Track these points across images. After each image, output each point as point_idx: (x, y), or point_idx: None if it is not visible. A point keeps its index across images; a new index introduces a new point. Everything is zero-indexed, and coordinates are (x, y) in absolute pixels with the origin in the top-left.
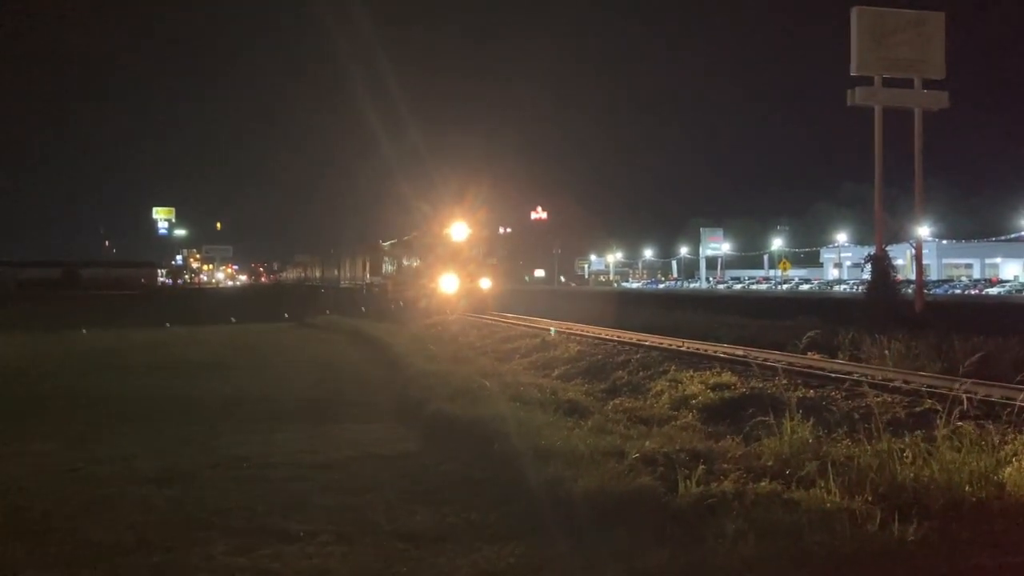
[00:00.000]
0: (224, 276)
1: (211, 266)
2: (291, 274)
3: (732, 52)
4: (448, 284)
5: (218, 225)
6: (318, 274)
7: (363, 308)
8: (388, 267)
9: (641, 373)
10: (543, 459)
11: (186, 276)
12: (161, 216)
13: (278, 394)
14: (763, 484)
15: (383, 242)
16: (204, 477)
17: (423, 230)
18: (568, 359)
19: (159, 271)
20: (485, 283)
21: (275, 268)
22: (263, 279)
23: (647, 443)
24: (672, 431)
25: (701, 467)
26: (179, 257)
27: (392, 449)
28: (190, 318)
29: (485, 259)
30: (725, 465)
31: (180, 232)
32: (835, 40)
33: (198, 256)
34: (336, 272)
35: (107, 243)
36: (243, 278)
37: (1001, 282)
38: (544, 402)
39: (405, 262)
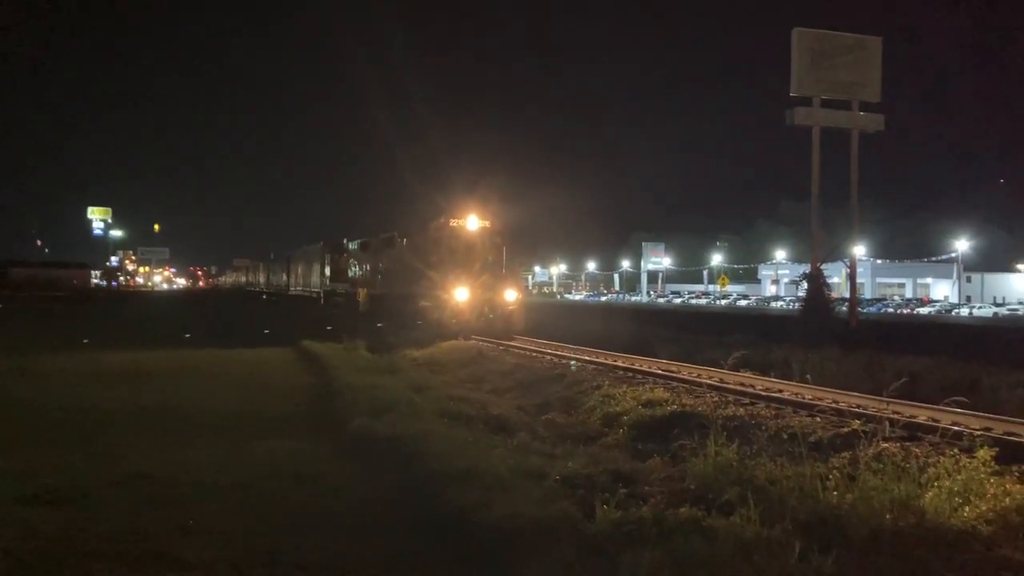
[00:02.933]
0: (161, 279)
1: (148, 268)
2: (230, 279)
3: (677, 69)
4: (455, 296)
5: (156, 227)
6: (262, 279)
7: (328, 327)
8: (356, 271)
9: (575, 388)
10: (461, 482)
11: (121, 278)
12: (97, 216)
13: (193, 406)
14: (683, 510)
15: (347, 241)
16: (101, 497)
17: (415, 223)
18: (502, 372)
19: (93, 273)
20: (510, 295)
21: (213, 272)
22: (201, 283)
23: (570, 463)
24: (599, 450)
25: (622, 491)
26: (114, 259)
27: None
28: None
29: (508, 263)
30: (648, 487)
31: (117, 233)
32: (780, 60)
33: (134, 258)
34: (285, 277)
35: (39, 243)
36: (181, 282)
37: (932, 302)
38: (472, 418)
39: (384, 265)
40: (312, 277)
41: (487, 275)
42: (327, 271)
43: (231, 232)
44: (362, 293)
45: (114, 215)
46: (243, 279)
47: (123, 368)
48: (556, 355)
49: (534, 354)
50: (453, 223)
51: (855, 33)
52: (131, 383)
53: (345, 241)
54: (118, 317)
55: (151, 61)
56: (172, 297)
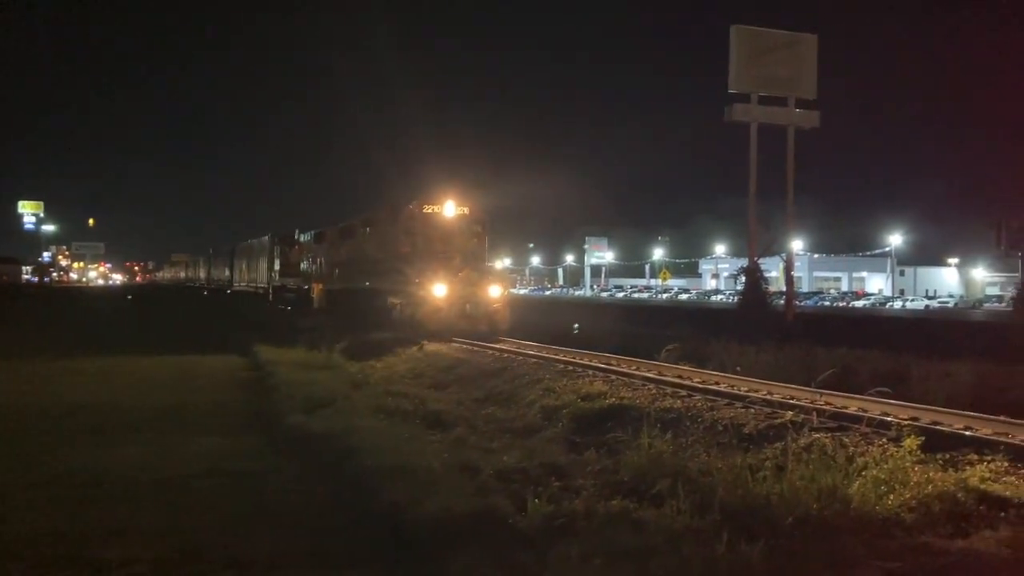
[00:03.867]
0: (96, 275)
1: (82, 264)
2: (168, 274)
3: (619, 65)
4: (432, 292)
5: (91, 221)
6: (202, 274)
7: (283, 328)
8: (310, 265)
9: (516, 382)
10: (395, 477)
11: (54, 274)
12: (28, 210)
13: (126, 401)
14: (615, 502)
15: (299, 232)
16: (22, 498)
17: (382, 210)
18: (444, 367)
19: (24, 268)
20: (495, 291)
21: (150, 267)
22: (138, 279)
23: (505, 458)
24: (537, 444)
25: (556, 484)
26: (47, 254)
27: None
28: None
29: (491, 255)
30: (582, 481)
31: (49, 228)
32: (719, 56)
33: (68, 253)
34: (228, 272)
35: None
36: (118, 277)
37: (866, 295)
38: (410, 413)
39: (343, 258)
40: (259, 272)
41: (468, 268)
42: (276, 265)
43: (169, 226)
44: (317, 288)
45: (46, 209)
46: (182, 274)
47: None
48: (497, 348)
49: (475, 349)
50: (427, 209)
51: (791, 31)
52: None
53: (297, 232)
54: (41, 318)
55: (83, 52)
56: (107, 294)
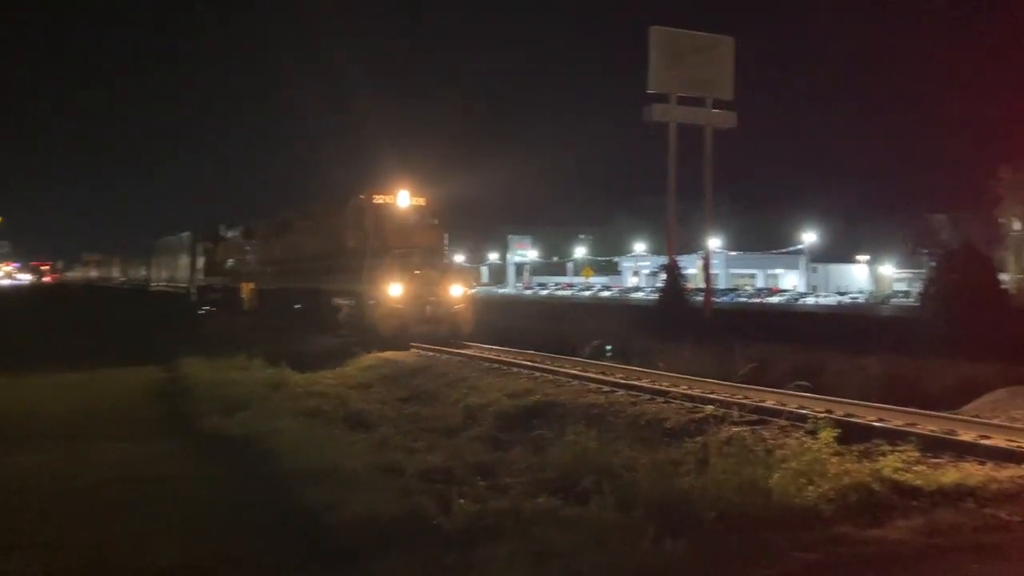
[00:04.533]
0: (2, 274)
1: None
2: (79, 273)
3: (540, 63)
4: (387, 293)
5: None
6: (117, 274)
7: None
8: (239, 263)
9: (440, 380)
10: (316, 480)
11: None
12: None
13: (39, 408)
14: (541, 500)
15: (225, 227)
16: None
17: (325, 202)
18: (366, 366)
19: None
20: (456, 291)
21: (60, 267)
22: (47, 279)
23: (430, 457)
24: (462, 442)
25: (481, 483)
26: None
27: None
28: None
29: (451, 252)
30: (508, 479)
31: None
32: (640, 56)
33: None
34: (145, 271)
35: None
36: (26, 277)
37: (781, 292)
38: (332, 413)
39: (278, 255)
40: (179, 271)
41: (426, 266)
42: (200, 263)
43: (83, 225)
44: (247, 289)
45: None
46: (93, 274)
47: None
48: (419, 346)
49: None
50: (378, 200)
51: (709, 32)
52: None
53: (223, 228)
54: None
55: None
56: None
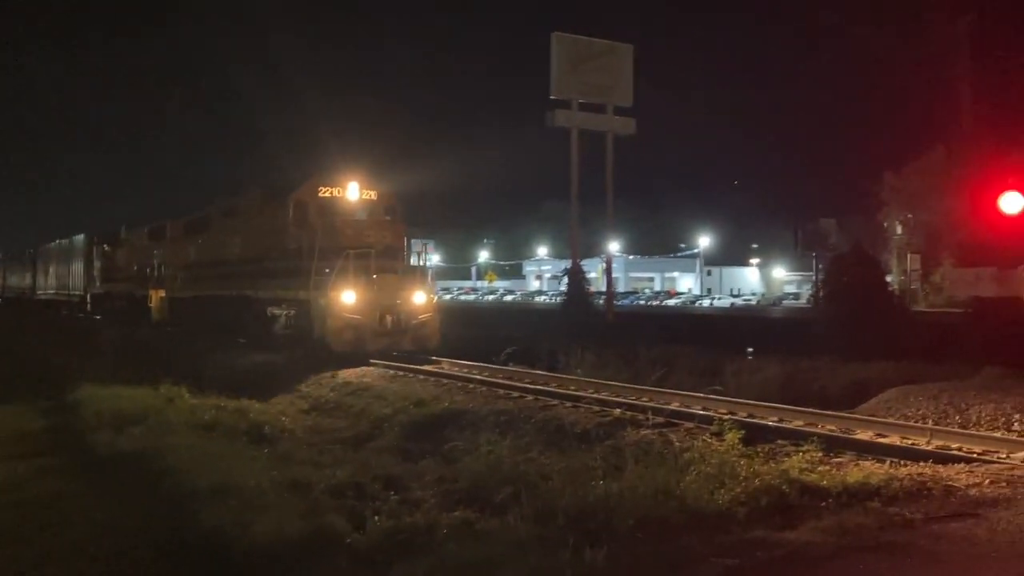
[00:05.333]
0: None
1: None
2: None
3: (444, 66)
4: (340, 300)
5: None
6: None
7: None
8: (144, 267)
9: (342, 390)
10: (218, 499)
11: None
12: None
13: None
14: (457, 513)
15: (126, 228)
16: None
17: (254, 195)
18: (241, 365)
19: None
20: (419, 298)
21: None
22: None
23: (338, 472)
24: (369, 454)
25: (393, 497)
26: None
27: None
28: None
29: (410, 252)
30: (420, 492)
31: None
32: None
33: None
34: (30, 278)
35: None
36: None
37: (678, 294)
38: (232, 426)
39: (193, 257)
40: (72, 277)
41: (384, 270)
42: (96, 268)
43: None
44: (156, 296)
45: None
46: None
47: None
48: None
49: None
50: (324, 193)
51: (609, 39)
52: None
53: (123, 229)
54: None
55: None
56: None
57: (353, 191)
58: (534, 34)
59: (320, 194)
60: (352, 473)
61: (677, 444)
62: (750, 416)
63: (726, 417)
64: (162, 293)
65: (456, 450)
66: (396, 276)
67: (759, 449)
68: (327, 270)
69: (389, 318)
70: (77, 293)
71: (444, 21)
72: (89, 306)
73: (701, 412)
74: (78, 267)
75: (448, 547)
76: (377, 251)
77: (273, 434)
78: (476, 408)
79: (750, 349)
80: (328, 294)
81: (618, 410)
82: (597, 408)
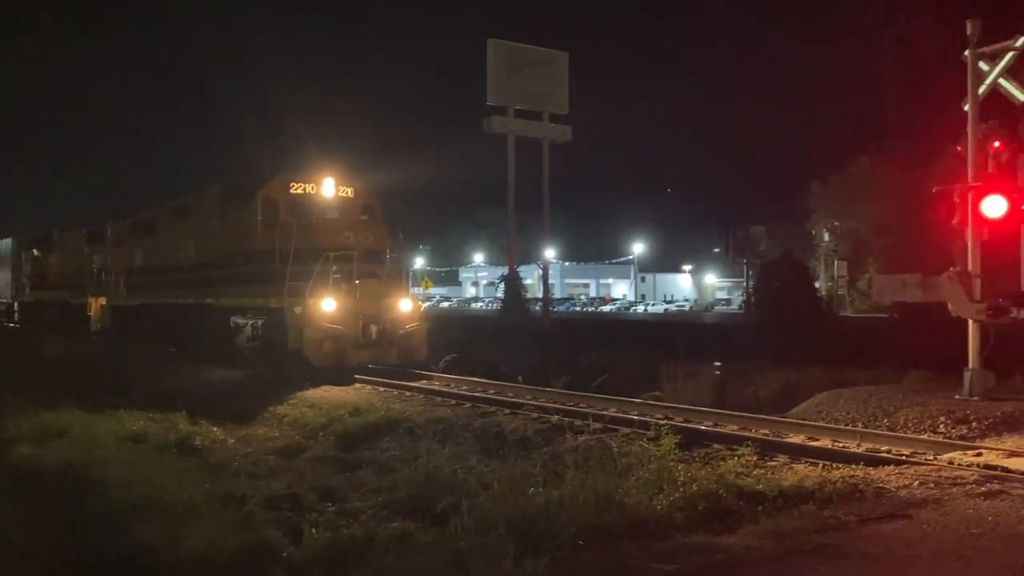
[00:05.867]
0: None
1: None
2: None
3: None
4: (319, 308)
5: None
6: None
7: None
8: (82, 272)
9: (273, 397)
10: (147, 513)
11: None
12: None
13: None
14: (396, 524)
15: (59, 231)
16: None
17: (216, 190)
18: (197, 382)
19: None
20: (405, 305)
21: None
22: None
23: (273, 483)
24: (305, 464)
25: (331, 509)
26: None
27: None
28: None
29: (396, 256)
30: (358, 503)
31: None
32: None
33: None
34: None
35: None
36: None
37: (613, 300)
38: (162, 438)
39: (140, 262)
40: None
41: (368, 275)
42: (25, 274)
43: None
44: (95, 305)
45: None
46: None
47: None
48: None
49: None
50: (296, 188)
51: (547, 48)
52: None
53: (56, 232)
54: None
55: None
56: None
57: (328, 187)
58: (476, 39)
59: (292, 190)
60: (288, 484)
61: (616, 450)
62: (686, 421)
63: (663, 422)
64: (103, 301)
65: (394, 459)
66: (380, 282)
67: (696, 454)
68: (303, 275)
69: (374, 328)
70: (4, 302)
71: (384, 22)
72: (17, 316)
73: (638, 417)
74: (4, 274)
75: (387, 559)
76: (359, 253)
77: (204, 445)
78: (414, 416)
79: (718, 363)
80: (306, 301)
81: (557, 416)
82: (536, 415)
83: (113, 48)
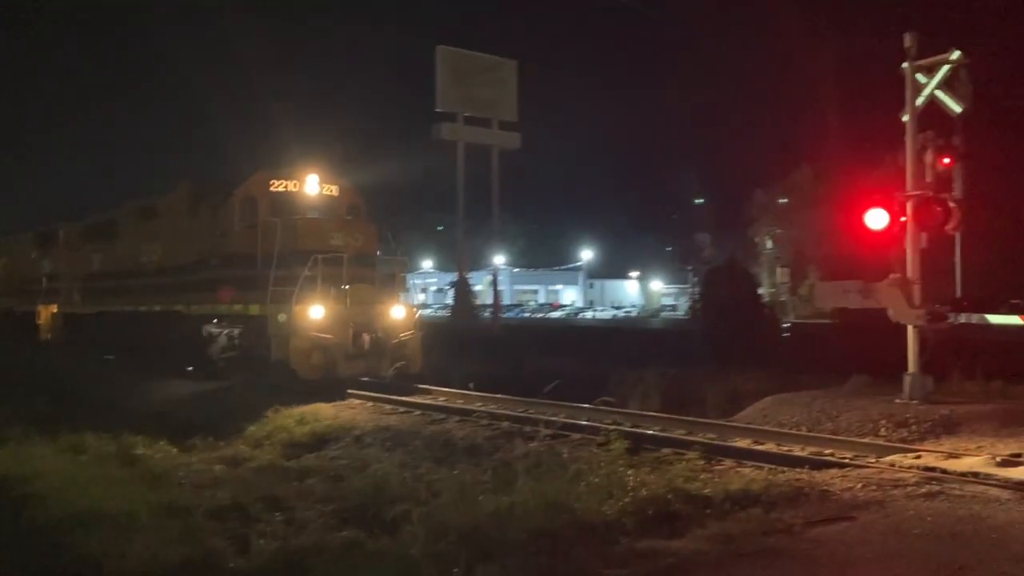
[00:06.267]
0: None
1: None
2: None
3: (324, 79)
4: (307, 315)
5: None
6: None
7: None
8: (29, 278)
9: (224, 406)
10: (86, 526)
11: None
12: None
13: None
14: (345, 533)
15: (1, 235)
16: None
17: (183, 189)
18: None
19: None
20: (398, 312)
21: None
22: None
23: (219, 493)
24: (250, 474)
25: (279, 518)
26: None
27: None
28: None
29: (386, 258)
30: (306, 512)
31: None
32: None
33: None
34: None
35: None
36: None
37: (561, 307)
38: (99, 449)
39: (101, 265)
40: None
41: (359, 280)
42: None
43: None
44: (44, 313)
45: None
46: None
47: None
48: None
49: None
50: (277, 186)
51: (496, 55)
52: None
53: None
54: None
55: None
56: None
57: (312, 185)
58: (424, 44)
59: (272, 188)
60: (234, 494)
61: (566, 456)
62: (635, 426)
63: (612, 428)
64: (54, 309)
65: (343, 468)
66: (372, 287)
67: (645, 458)
68: (288, 280)
69: (366, 337)
70: None
71: (333, 28)
72: None
73: (588, 423)
74: None
75: (338, 568)
76: (349, 257)
77: (145, 455)
78: (362, 424)
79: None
80: (291, 308)
81: (507, 423)
82: (486, 421)
83: (62, 33)
